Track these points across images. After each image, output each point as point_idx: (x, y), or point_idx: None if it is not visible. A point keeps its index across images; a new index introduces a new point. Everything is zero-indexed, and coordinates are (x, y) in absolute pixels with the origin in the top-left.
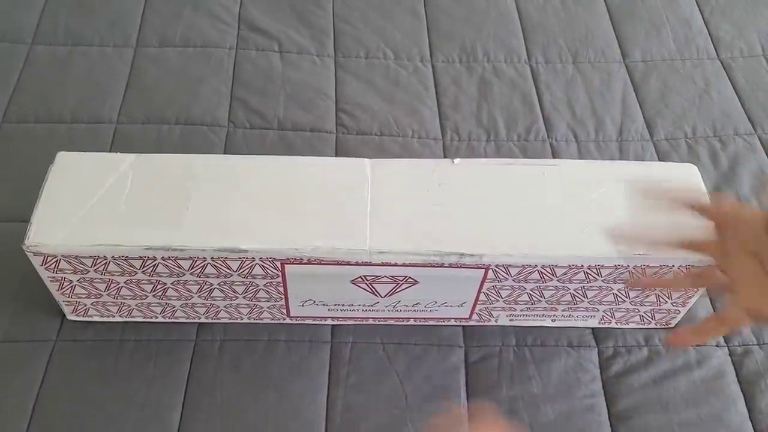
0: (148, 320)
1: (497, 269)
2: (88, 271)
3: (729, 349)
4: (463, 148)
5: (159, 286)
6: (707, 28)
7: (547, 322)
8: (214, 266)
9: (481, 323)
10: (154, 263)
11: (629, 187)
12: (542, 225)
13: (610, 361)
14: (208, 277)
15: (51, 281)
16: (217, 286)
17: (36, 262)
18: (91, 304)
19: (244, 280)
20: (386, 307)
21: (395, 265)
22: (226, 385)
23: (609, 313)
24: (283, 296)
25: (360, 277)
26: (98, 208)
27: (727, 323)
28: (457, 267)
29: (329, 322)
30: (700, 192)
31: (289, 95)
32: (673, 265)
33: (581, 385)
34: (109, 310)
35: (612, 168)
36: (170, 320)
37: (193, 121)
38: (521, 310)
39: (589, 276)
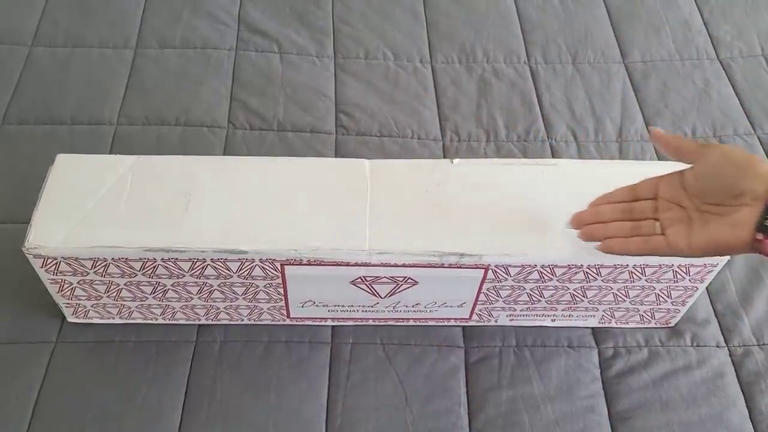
0: (148, 322)
1: (497, 269)
2: (88, 273)
3: (729, 350)
4: (463, 149)
5: (159, 288)
6: (707, 29)
7: (547, 322)
8: (214, 268)
9: (481, 323)
10: (153, 265)
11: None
12: (542, 225)
13: (610, 361)
14: (207, 278)
15: (51, 283)
16: (217, 288)
17: (36, 264)
18: (92, 306)
19: (243, 281)
20: (386, 307)
21: (395, 265)
22: (226, 386)
23: (609, 313)
24: (283, 297)
25: (360, 278)
26: (98, 210)
27: (651, 246)
28: (457, 267)
29: (329, 323)
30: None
31: (289, 96)
32: (673, 265)
33: (581, 385)
34: (109, 312)
35: (611, 168)
36: (170, 322)
37: (193, 123)
38: (521, 310)
39: (589, 276)
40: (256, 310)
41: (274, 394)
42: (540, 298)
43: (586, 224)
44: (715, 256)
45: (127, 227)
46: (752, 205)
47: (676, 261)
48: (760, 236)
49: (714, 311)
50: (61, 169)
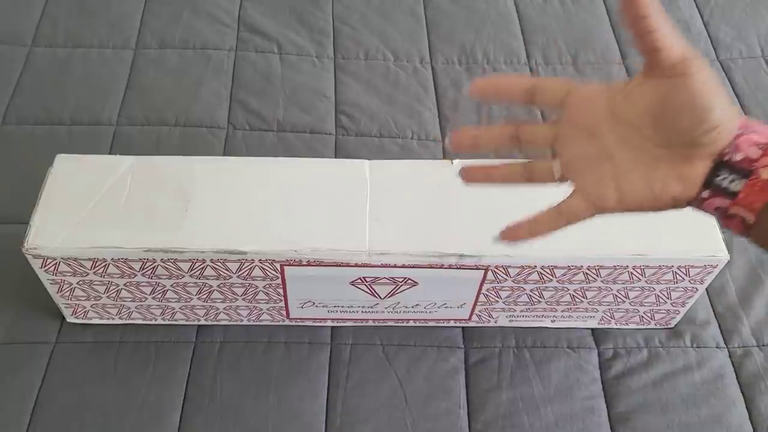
0: (148, 322)
1: (496, 270)
2: (88, 274)
3: (729, 351)
4: None
5: (158, 288)
6: (707, 30)
7: (547, 323)
8: (214, 268)
9: (480, 324)
10: (153, 265)
11: None
12: None
13: (610, 362)
14: (207, 279)
15: (50, 284)
16: (217, 288)
17: (35, 264)
18: (91, 306)
19: (243, 281)
20: (386, 308)
21: (395, 266)
22: (225, 387)
23: (608, 314)
24: (282, 298)
25: (359, 278)
26: (97, 210)
27: (565, 214)
28: (457, 268)
29: (329, 323)
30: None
31: (289, 97)
32: (673, 266)
33: (581, 386)
34: (108, 312)
35: None
36: (170, 322)
37: (193, 123)
38: (521, 311)
39: (589, 276)
40: (255, 311)
41: (274, 394)
42: (540, 299)
43: (465, 147)
44: (643, 212)
45: (126, 228)
46: (704, 158)
47: (676, 262)
48: (706, 194)
49: (714, 312)
50: (60, 169)
